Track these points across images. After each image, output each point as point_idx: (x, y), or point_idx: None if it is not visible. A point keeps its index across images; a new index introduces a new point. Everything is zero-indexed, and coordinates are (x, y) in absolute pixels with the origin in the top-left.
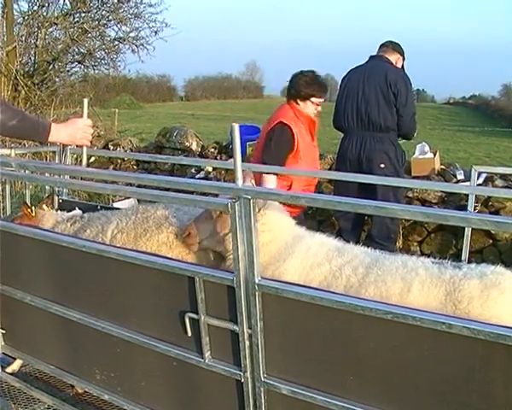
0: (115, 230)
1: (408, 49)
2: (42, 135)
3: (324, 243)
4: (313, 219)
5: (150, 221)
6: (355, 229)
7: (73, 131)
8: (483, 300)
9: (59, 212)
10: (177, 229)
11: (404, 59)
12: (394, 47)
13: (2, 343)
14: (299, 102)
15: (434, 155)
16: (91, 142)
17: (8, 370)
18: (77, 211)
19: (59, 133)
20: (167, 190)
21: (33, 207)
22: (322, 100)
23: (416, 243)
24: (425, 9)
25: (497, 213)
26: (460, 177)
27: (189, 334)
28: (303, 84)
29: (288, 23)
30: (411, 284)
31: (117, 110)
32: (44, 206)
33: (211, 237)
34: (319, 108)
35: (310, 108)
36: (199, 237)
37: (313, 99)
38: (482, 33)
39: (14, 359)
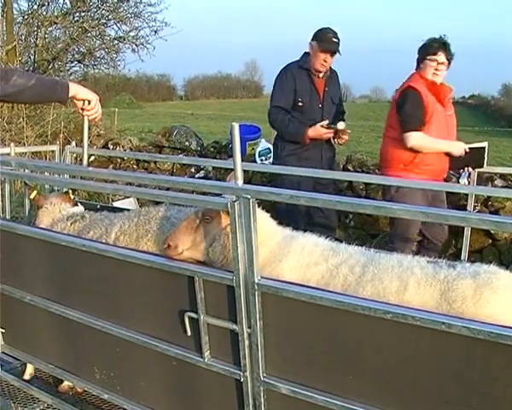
0: (118, 232)
1: (408, 49)
2: (62, 91)
3: (318, 243)
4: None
5: (152, 222)
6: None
7: (91, 94)
8: (476, 299)
9: (62, 204)
10: None
11: (318, 40)
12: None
13: (2, 343)
14: (420, 65)
15: None
16: (91, 141)
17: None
18: (77, 208)
19: (79, 87)
20: (167, 189)
21: (35, 191)
22: (438, 58)
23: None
24: (424, 9)
25: (496, 212)
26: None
27: (189, 333)
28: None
29: (289, 23)
30: (407, 283)
31: (117, 109)
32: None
33: (192, 247)
34: (440, 68)
35: (428, 68)
36: (180, 247)
37: (428, 58)
38: (482, 33)
39: (15, 359)
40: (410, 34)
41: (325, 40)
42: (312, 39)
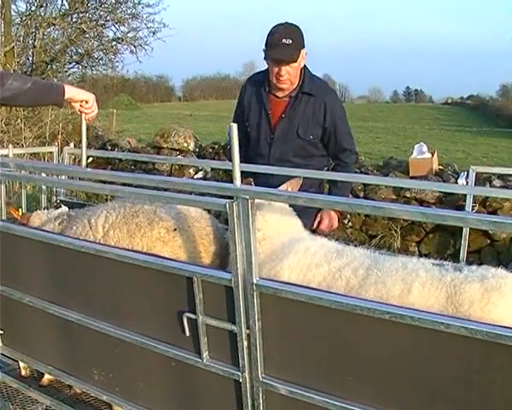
0: (106, 224)
1: (406, 49)
2: (57, 94)
3: (324, 245)
4: None
5: (140, 216)
6: None
7: (88, 94)
8: (483, 303)
9: (45, 211)
10: (167, 223)
11: (266, 46)
12: None
13: (1, 344)
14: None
15: (432, 155)
16: (89, 142)
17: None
18: (63, 209)
19: (75, 90)
20: (165, 190)
21: (20, 209)
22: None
23: (414, 244)
24: (423, 10)
25: (494, 213)
26: (461, 181)
27: (187, 334)
28: None
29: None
30: (411, 286)
31: (115, 110)
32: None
33: None
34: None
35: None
36: None
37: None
38: (480, 33)
39: (14, 360)
40: (409, 35)
41: (272, 44)
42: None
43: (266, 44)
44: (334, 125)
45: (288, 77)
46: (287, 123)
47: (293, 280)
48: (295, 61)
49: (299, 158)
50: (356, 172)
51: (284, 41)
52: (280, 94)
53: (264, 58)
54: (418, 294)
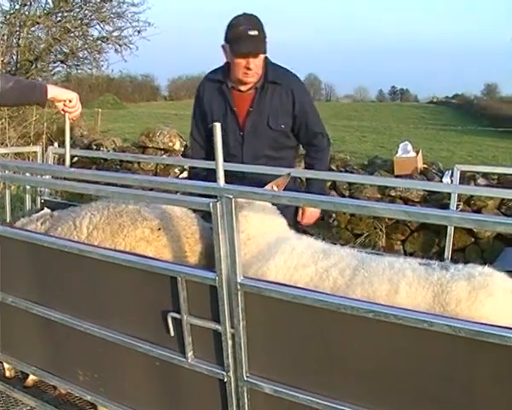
0: (90, 226)
1: (392, 49)
2: (40, 94)
3: (310, 245)
4: None
5: (124, 216)
6: None
7: (71, 93)
8: (471, 302)
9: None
10: (151, 223)
11: (229, 41)
12: None
13: None
14: None
15: (417, 154)
16: (74, 142)
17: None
18: (46, 210)
19: (58, 89)
20: (150, 189)
21: None
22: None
23: (399, 242)
24: (408, 10)
25: (479, 211)
26: (446, 180)
27: (172, 334)
28: None
29: (272, 22)
30: (398, 286)
31: (100, 110)
32: None
33: None
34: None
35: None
36: None
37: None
38: (465, 33)
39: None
40: (395, 34)
41: (237, 38)
42: (225, 40)
43: (230, 39)
44: (303, 111)
45: (256, 70)
46: (256, 116)
47: (279, 280)
48: (264, 53)
49: (272, 151)
50: (340, 171)
51: (250, 33)
52: (243, 88)
53: (230, 52)
54: (405, 294)
